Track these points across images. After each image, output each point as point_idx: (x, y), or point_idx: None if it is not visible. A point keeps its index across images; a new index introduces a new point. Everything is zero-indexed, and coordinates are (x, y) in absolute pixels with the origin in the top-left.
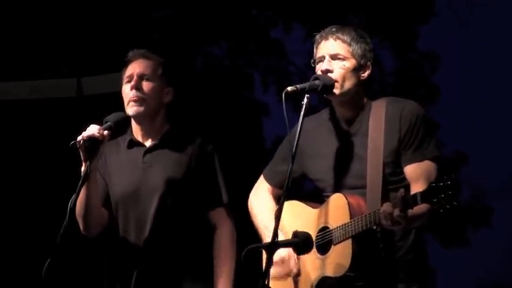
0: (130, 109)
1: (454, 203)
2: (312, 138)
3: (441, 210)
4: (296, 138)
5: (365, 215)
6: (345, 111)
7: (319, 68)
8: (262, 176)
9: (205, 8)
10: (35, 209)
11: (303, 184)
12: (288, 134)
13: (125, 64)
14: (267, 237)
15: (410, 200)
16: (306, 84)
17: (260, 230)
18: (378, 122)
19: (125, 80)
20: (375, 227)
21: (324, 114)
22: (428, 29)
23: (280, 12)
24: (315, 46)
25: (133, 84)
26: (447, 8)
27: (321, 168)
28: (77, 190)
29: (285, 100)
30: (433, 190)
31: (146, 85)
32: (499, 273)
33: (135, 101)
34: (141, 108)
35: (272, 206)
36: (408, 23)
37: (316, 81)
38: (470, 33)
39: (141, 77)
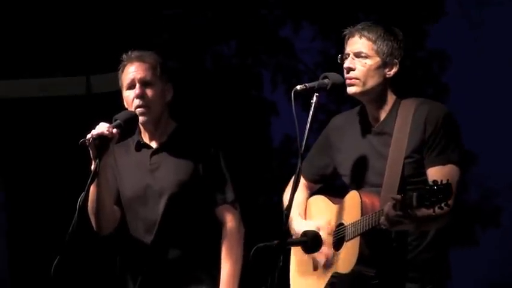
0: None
1: (445, 207)
2: (342, 134)
3: (433, 213)
4: (304, 137)
5: (371, 214)
6: (372, 108)
7: (344, 66)
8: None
9: (215, 7)
10: (45, 207)
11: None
12: (325, 128)
13: (120, 66)
14: (291, 231)
15: (407, 201)
16: (315, 83)
17: (289, 224)
18: (404, 122)
19: (126, 86)
20: (383, 226)
21: (356, 110)
22: (438, 27)
23: (289, 11)
24: (344, 42)
25: (138, 92)
26: (457, 7)
27: (346, 163)
28: (86, 188)
29: (294, 99)
30: (428, 192)
31: (150, 92)
32: (507, 273)
33: (141, 109)
34: (148, 117)
35: (302, 200)
36: (418, 21)
37: (326, 80)
38: (480, 32)
39: (143, 84)
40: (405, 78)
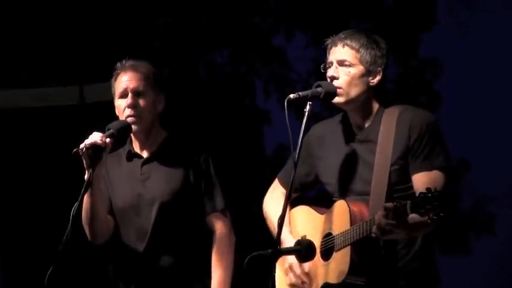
0: None
1: (440, 214)
2: (324, 142)
3: (428, 221)
4: (298, 146)
5: (362, 223)
6: (355, 117)
7: (327, 74)
8: (276, 179)
9: (207, 15)
10: (38, 217)
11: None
12: (303, 138)
13: (113, 74)
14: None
15: (400, 210)
16: (308, 92)
17: (275, 233)
18: (388, 129)
19: (118, 94)
20: (373, 235)
21: (338, 119)
22: (430, 35)
23: (282, 19)
24: (327, 51)
25: (130, 102)
26: (449, 15)
27: (330, 172)
28: (80, 197)
29: (287, 107)
30: (422, 200)
31: (142, 101)
32: (500, 281)
33: (132, 119)
34: (139, 126)
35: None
36: (410, 30)
37: (319, 89)
38: (472, 40)
39: (136, 93)
40: (398, 87)
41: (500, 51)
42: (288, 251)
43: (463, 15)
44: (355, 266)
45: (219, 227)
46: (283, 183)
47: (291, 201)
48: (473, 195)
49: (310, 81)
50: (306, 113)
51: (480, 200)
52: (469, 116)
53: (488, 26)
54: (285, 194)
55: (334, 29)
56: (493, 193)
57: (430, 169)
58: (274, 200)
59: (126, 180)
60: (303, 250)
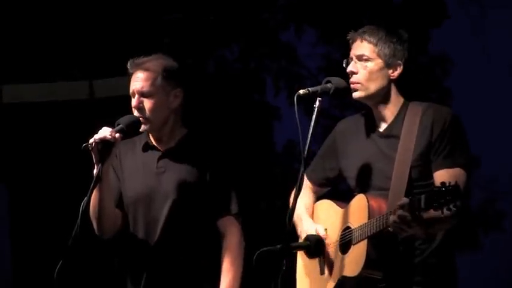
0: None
1: (453, 208)
2: (347, 137)
3: (442, 215)
4: (307, 142)
5: (379, 217)
6: (379, 111)
7: (347, 70)
8: (305, 174)
9: (217, 11)
10: (48, 211)
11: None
12: (332, 132)
13: (127, 74)
14: (298, 231)
15: (415, 204)
16: (318, 88)
17: (295, 224)
18: (411, 125)
19: (131, 94)
20: (390, 229)
21: (363, 114)
22: (440, 31)
23: (291, 15)
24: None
25: (134, 105)
26: (459, 10)
27: (352, 167)
28: (89, 192)
29: (296, 103)
30: (436, 194)
31: (147, 103)
32: (509, 277)
33: (141, 119)
34: (148, 127)
35: (308, 203)
36: (420, 26)
37: (328, 84)
38: (482, 36)
39: (141, 95)
40: (408, 83)
41: (511, 47)
42: (298, 247)
43: (474, 11)
44: (371, 260)
45: (232, 231)
46: (308, 177)
47: (319, 196)
48: (483, 191)
49: (320, 78)
50: (316, 109)
51: (490, 196)
52: (479, 112)
53: (499, 22)
54: (311, 189)
55: (344, 26)
56: (502, 190)
57: (452, 166)
58: (301, 195)
59: (140, 172)
60: (312, 246)
